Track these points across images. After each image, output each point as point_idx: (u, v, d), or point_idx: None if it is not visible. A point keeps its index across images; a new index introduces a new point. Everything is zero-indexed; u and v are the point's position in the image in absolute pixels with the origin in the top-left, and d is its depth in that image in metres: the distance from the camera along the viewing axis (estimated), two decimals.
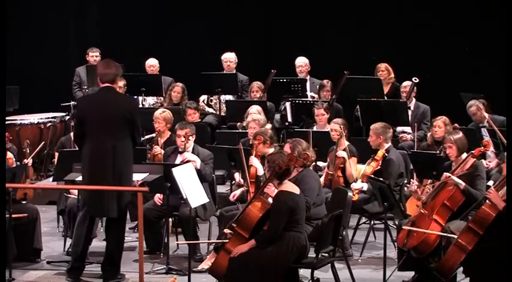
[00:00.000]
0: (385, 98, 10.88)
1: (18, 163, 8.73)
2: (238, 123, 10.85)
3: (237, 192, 8.53)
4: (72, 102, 11.62)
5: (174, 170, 7.44)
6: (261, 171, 8.19)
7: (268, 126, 9.47)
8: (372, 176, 8.15)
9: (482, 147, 7.59)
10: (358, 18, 12.60)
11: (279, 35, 12.87)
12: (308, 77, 11.61)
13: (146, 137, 10.30)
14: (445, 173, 7.46)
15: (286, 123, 10.84)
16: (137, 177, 7.68)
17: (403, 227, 7.38)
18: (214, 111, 11.57)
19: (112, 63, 7.37)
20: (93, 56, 11.87)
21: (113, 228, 7.36)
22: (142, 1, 13.28)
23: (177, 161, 8.40)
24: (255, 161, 8.32)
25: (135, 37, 12.99)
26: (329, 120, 9.79)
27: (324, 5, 12.63)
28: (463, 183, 7.37)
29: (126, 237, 8.79)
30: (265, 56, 12.86)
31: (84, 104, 7.45)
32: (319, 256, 6.97)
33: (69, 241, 8.00)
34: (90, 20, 13.34)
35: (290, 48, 12.26)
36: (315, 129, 10.08)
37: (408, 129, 10.59)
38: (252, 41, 12.89)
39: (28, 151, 9.33)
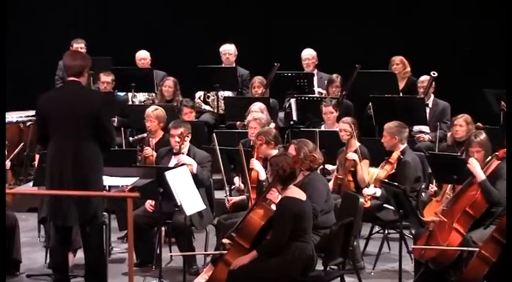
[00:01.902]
0: (401, 94, 10.89)
1: None
2: (238, 122, 10.85)
3: (236, 198, 8.51)
4: None
5: (168, 174, 7.44)
6: (263, 175, 8.19)
7: (272, 125, 9.46)
8: (386, 180, 8.17)
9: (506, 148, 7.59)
10: (372, 6, 12.64)
11: (283, 24, 12.87)
12: (315, 71, 11.61)
13: (136, 137, 10.32)
14: None
15: (291, 122, 10.84)
16: (127, 181, 7.68)
17: (415, 247, 7.38)
18: (211, 109, 11.57)
19: (78, 54, 7.34)
20: (78, 47, 11.85)
21: (87, 238, 7.29)
22: None
23: (171, 164, 8.41)
24: (256, 164, 8.30)
25: (129, 29, 13.03)
26: (338, 119, 9.79)
27: None
28: (483, 176, 7.38)
29: (114, 248, 8.87)
30: (268, 48, 12.86)
31: (46, 100, 7.36)
32: (328, 269, 6.97)
33: None
34: (83, 13, 13.50)
35: (295, 40, 12.26)
36: (322, 128, 10.09)
37: (426, 128, 10.59)
38: (253, 32, 12.90)
39: (6, 153, 9.33)
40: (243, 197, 8.47)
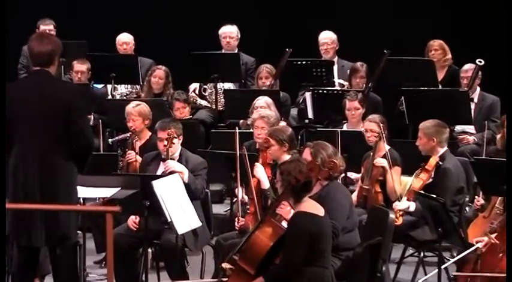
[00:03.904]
0: (440, 86, 10.90)
1: None
2: (241, 121, 10.85)
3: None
4: None
5: (155, 184, 7.45)
6: (265, 183, 8.15)
7: (282, 124, 9.45)
8: (422, 191, 8.16)
9: None
10: None
11: (296, 2, 12.88)
12: (336, 59, 11.63)
13: (117, 137, 10.31)
14: None
15: (306, 121, 10.85)
16: (105, 192, 7.67)
17: (459, 274, 7.36)
18: (208, 105, 11.58)
19: (47, 38, 7.29)
20: (46, 29, 11.87)
21: (57, 261, 7.28)
22: None
23: (159, 172, 8.42)
24: (259, 170, 8.22)
25: (107, 7, 13.06)
26: (363, 117, 9.79)
27: None
28: None
29: (90, 274, 8.87)
30: (277, 31, 12.86)
31: (7, 94, 7.37)
32: None
33: None
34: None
35: (311, 21, 12.27)
36: (344, 128, 10.10)
37: (471, 128, 10.59)
38: (259, 11, 12.91)
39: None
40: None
